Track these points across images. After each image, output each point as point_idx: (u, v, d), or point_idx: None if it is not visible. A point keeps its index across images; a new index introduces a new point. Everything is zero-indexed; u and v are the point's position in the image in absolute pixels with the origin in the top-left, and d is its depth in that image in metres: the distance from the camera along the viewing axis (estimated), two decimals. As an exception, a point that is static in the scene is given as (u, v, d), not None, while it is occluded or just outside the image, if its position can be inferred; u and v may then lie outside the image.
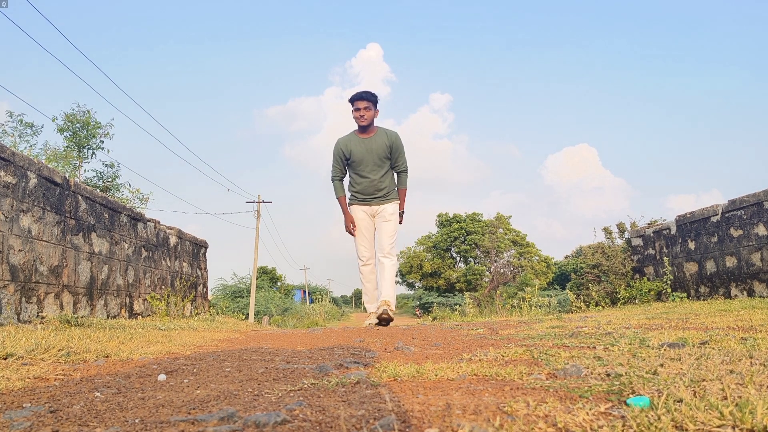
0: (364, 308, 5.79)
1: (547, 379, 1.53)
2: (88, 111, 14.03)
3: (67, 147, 13.90)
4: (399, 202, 5.50)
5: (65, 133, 13.77)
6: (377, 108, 5.28)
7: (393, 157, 5.37)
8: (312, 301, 41.08)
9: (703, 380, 1.31)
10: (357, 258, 5.54)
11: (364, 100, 5.20)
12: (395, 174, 5.50)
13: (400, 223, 5.55)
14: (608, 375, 1.49)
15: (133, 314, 7.25)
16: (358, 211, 5.45)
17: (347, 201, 5.55)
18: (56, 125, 13.68)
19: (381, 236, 5.41)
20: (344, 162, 5.40)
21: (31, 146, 13.85)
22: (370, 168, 5.31)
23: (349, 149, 5.32)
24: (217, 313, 10.43)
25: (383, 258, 5.37)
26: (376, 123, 5.36)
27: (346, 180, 5.56)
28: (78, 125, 13.80)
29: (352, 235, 5.47)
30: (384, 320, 5.07)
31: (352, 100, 5.24)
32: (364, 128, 5.28)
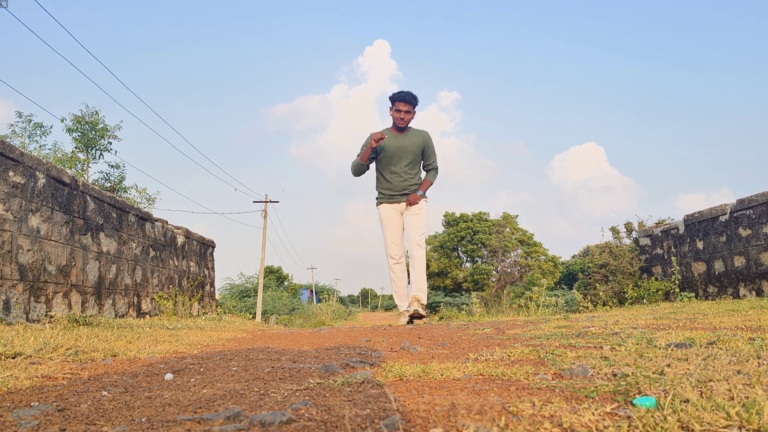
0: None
1: (553, 379, 1.53)
2: (97, 112, 14.12)
3: (75, 148, 13.99)
4: (426, 199, 5.47)
5: (74, 134, 13.87)
6: (415, 110, 5.31)
7: (426, 155, 5.44)
8: (319, 301, 41.15)
9: (710, 381, 1.30)
10: (387, 257, 5.49)
11: (408, 103, 5.22)
12: (425, 171, 5.53)
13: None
14: (615, 375, 1.49)
15: (141, 313, 7.28)
16: (388, 209, 5.45)
17: (376, 201, 5.56)
18: (65, 126, 13.79)
19: (411, 228, 5.40)
20: (374, 152, 5.36)
21: (40, 146, 13.95)
22: (401, 164, 5.35)
23: (384, 142, 5.29)
24: (225, 313, 10.47)
25: (413, 249, 5.36)
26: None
27: (371, 175, 5.58)
28: (87, 126, 13.89)
29: (377, 140, 5.09)
30: (417, 317, 5.03)
31: (395, 99, 5.24)
32: (401, 129, 5.33)
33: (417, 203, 5.37)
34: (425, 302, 5.14)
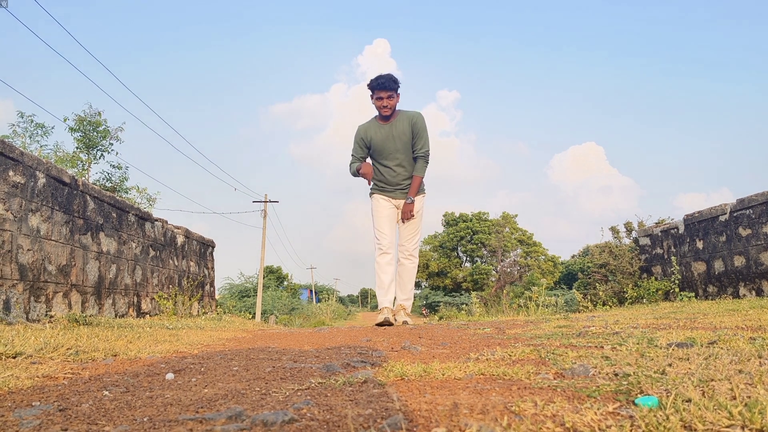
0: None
1: (554, 378, 1.53)
2: (99, 113, 14.14)
3: (77, 148, 14.02)
4: (423, 195, 5.16)
5: (76, 134, 13.88)
6: (398, 93, 4.89)
7: (413, 141, 4.95)
8: (319, 301, 41.17)
9: (712, 380, 1.30)
10: (375, 246, 5.09)
11: (388, 89, 4.79)
12: (414, 161, 5.06)
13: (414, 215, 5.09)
14: (616, 375, 1.49)
15: (141, 313, 7.28)
16: (381, 200, 5.08)
17: (370, 191, 5.23)
18: (67, 125, 13.81)
19: (404, 235, 5.10)
20: (366, 150, 5.06)
21: (41, 146, 13.97)
22: (391, 156, 4.97)
23: (369, 137, 4.97)
24: (225, 313, 10.47)
25: (405, 260, 5.09)
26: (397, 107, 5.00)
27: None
28: (89, 127, 13.91)
29: (365, 177, 4.98)
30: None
31: (374, 88, 4.83)
32: (387, 117, 4.91)
33: (411, 212, 5.04)
34: (409, 311, 5.08)
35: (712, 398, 1.10)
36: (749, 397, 1.10)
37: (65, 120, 13.81)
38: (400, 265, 5.12)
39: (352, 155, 5.15)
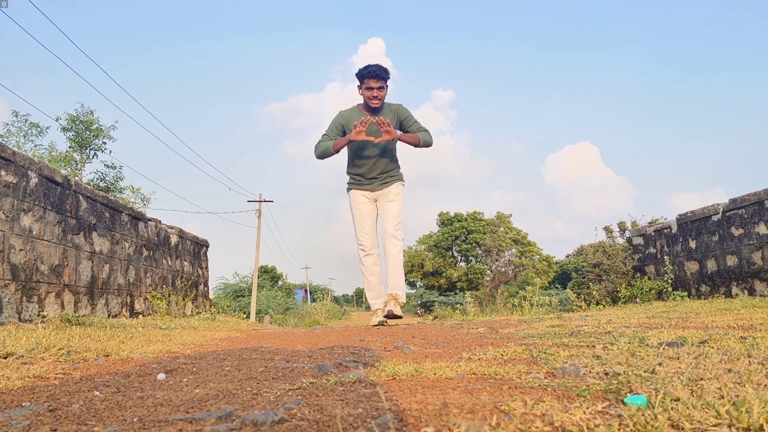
0: (368, 306, 5.53)
1: (545, 378, 1.54)
2: (92, 112, 14.07)
3: (70, 147, 13.96)
4: (403, 182, 4.98)
5: (68, 134, 13.82)
6: (387, 84, 4.63)
7: (406, 126, 4.74)
8: (313, 300, 41.09)
9: (701, 379, 1.31)
10: (357, 248, 4.97)
11: (380, 79, 4.50)
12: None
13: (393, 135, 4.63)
14: (606, 374, 1.49)
15: (134, 313, 7.26)
16: (359, 196, 4.93)
17: (347, 186, 5.06)
18: (60, 125, 13.74)
19: (385, 217, 4.90)
20: (340, 136, 4.77)
21: (36, 146, 13.90)
22: (372, 151, 4.79)
23: (351, 127, 4.68)
24: (218, 312, 10.44)
25: (388, 243, 4.86)
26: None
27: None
28: (81, 126, 13.84)
29: (361, 130, 4.54)
30: (392, 317, 4.67)
31: (364, 76, 4.54)
32: (375, 110, 4.64)
33: (385, 127, 4.49)
34: (403, 300, 4.81)
35: (701, 397, 1.11)
36: (737, 396, 1.11)
37: (57, 119, 13.75)
38: (384, 248, 4.91)
39: (324, 134, 4.83)
